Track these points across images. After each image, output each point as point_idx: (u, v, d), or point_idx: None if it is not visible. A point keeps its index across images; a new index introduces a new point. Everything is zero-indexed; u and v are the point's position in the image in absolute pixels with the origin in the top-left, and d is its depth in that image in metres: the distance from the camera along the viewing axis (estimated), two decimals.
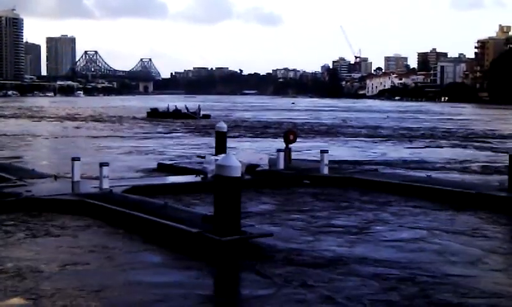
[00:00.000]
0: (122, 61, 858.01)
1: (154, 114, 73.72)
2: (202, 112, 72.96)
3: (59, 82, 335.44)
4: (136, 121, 65.17)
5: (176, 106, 75.08)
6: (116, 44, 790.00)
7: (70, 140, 41.14)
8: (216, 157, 19.06)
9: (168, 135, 46.28)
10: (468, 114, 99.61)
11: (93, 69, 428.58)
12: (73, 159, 18.50)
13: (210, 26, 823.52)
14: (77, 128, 53.96)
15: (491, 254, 11.94)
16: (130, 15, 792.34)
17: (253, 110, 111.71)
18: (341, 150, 34.74)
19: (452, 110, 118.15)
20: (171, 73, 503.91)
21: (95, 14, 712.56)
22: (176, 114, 71.43)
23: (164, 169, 23.71)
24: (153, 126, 56.61)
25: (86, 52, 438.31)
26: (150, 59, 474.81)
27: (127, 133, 47.93)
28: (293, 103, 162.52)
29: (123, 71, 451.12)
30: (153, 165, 24.96)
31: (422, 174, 23.18)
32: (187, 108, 73.78)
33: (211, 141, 38.10)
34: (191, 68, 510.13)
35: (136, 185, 18.21)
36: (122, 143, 37.72)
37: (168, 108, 75.12)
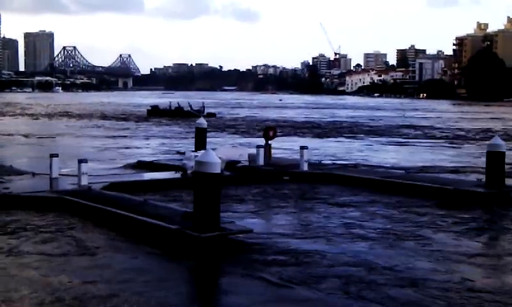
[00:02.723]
0: (101, 56, 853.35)
1: (155, 112, 69.86)
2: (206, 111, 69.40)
3: (37, 78, 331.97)
4: (141, 120, 61.85)
5: (178, 103, 71.49)
6: (95, 39, 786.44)
7: (94, 140, 37.98)
8: (196, 153, 19.04)
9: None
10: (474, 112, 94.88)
11: (71, 65, 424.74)
12: (52, 155, 18.38)
13: (188, 22, 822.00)
14: (91, 127, 50.76)
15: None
16: (106, 10, 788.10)
17: (250, 107, 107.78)
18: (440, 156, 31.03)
19: (454, 108, 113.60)
20: (151, 69, 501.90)
21: (70, 9, 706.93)
22: (179, 112, 67.72)
23: (143, 166, 23.55)
24: (165, 124, 53.55)
25: (64, 47, 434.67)
26: (129, 55, 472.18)
27: (145, 132, 45.48)
28: (280, 100, 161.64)
29: (102, 67, 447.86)
30: None
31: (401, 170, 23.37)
32: (190, 105, 70.24)
33: (251, 140, 36.61)
34: (171, 64, 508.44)
35: (115, 182, 18.10)
36: (150, 142, 36.50)
37: (169, 105, 71.33)
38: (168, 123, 55.89)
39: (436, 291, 9.30)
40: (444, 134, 46.88)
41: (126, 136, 41.67)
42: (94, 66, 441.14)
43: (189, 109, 68.72)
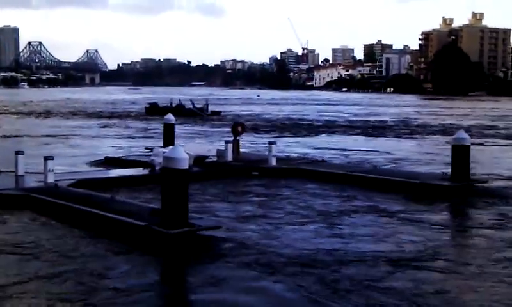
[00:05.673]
0: (68, 52, 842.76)
1: (154, 110, 63.02)
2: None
3: (2, 74, 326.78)
4: (142, 118, 57.16)
5: (180, 100, 66.39)
6: (61, 35, 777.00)
7: (113, 141, 34.60)
8: (164, 149, 18.97)
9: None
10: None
11: (37, 60, 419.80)
12: (17, 153, 18.16)
13: (153, 17, 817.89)
14: (104, 127, 45.99)
15: None
16: (69, 5, 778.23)
17: (236, 104, 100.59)
18: None
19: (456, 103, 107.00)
20: (118, 65, 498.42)
21: (32, 3, 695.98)
22: (180, 110, 60.76)
23: (111, 162, 23.38)
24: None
25: (29, 42, 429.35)
26: (96, 50, 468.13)
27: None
28: (258, 96, 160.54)
29: (68, 63, 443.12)
30: None
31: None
32: (192, 103, 64.85)
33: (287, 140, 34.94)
34: (139, 60, 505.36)
35: (82, 179, 17.93)
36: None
37: (170, 103, 65.51)
38: (180, 121, 48.58)
39: None
40: None
41: (147, 137, 36.87)
42: (60, 62, 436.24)
43: (191, 107, 63.91)
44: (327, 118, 60.52)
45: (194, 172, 17.89)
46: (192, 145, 25.97)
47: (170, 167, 11.77)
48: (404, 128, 47.21)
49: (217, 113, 63.64)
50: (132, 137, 36.41)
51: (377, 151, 29.66)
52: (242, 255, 11.01)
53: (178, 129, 40.52)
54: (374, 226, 13.50)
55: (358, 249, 11.51)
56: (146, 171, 19.49)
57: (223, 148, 22.74)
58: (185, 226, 11.71)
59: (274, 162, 21.47)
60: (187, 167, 12.01)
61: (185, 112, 59.89)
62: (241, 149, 23.70)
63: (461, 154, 18.15)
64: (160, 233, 11.57)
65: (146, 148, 25.84)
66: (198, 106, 64.02)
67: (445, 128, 47.25)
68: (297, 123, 53.16)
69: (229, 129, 26.44)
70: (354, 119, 59.64)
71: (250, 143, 31.06)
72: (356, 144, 34.11)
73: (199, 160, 20.79)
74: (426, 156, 27.89)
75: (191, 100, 66.58)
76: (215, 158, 22.24)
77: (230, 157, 22.17)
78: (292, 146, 31.87)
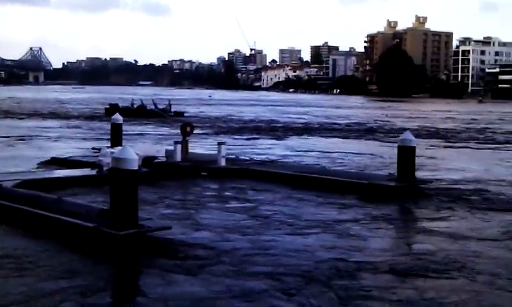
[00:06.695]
0: (10, 49, 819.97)
1: (114, 111, 58.35)
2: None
3: None
4: (103, 119, 52.34)
5: (141, 101, 64.12)
6: (3, 32, 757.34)
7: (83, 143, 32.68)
8: (112, 150, 18.75)
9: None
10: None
11: None
12: None
13: (98, 15, 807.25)
14: (66, 128, 43.58)
15: None
16: (10, 2, 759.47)
17: (197, 104, 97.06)
18: None
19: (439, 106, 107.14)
20: (63, 63, 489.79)
21: None
22: (142, 111, 59.65)
23: (58, 162, 22.94)
24: (140, 124, 45.66)
25: None
26: (40, 48, 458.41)
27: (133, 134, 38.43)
28: (210, 96, 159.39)
29: (11, 61, 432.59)
30: None
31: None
32: (155, 104, 63.30)
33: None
34: (84, 58, 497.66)
35: (28, 179, 17.52)
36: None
37: (132, 103, 63.62)
38: (143, 123, 48.78)
39: None
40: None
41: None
42: (3, 60, 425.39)
43: (152, 107, 62.29)
44: (296, 120, 60.47)
45: (142, 172, 17.72)
46: (141, 145, 25.70)
47: (119, 168, 11.64)
48: (380, 131, 46.76)
49: (181, 114, 61.97)
50: (100, 139, 34.85)
51: (362, 154, 29.14)
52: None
53: (143, 131, 40.60)
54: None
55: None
56: (93, 172, 19.21)
57: (171, 148, 22.62)
58: (134, 228, 11.60)
59: (223, 163, 21.47)
60: (136, 167, 11.89)
61: (147, 113, 58.88)
62: (190, 150, 23.63)
63: (406, 155, 18.53)
64: (109, 234, 11.43)
65: (93, 149, 25.49)
66: (160, 107, 62.59)
67: (418, 130, 45.43)
68: (269, 125, 52.44)
69: (195, 132, 26.22)
70: (324, 121, 59.37)
71: (231, 145, 29.36)
72: (336, 146, 33.41)
73: (148, 160, 20.62)
74: (417, 160, 26.19)
75: (152, 100, 65.22)
76: (164, 159, 22.10)
77: (179, 157, 22.06)
78: (274, 148, 31.78)
